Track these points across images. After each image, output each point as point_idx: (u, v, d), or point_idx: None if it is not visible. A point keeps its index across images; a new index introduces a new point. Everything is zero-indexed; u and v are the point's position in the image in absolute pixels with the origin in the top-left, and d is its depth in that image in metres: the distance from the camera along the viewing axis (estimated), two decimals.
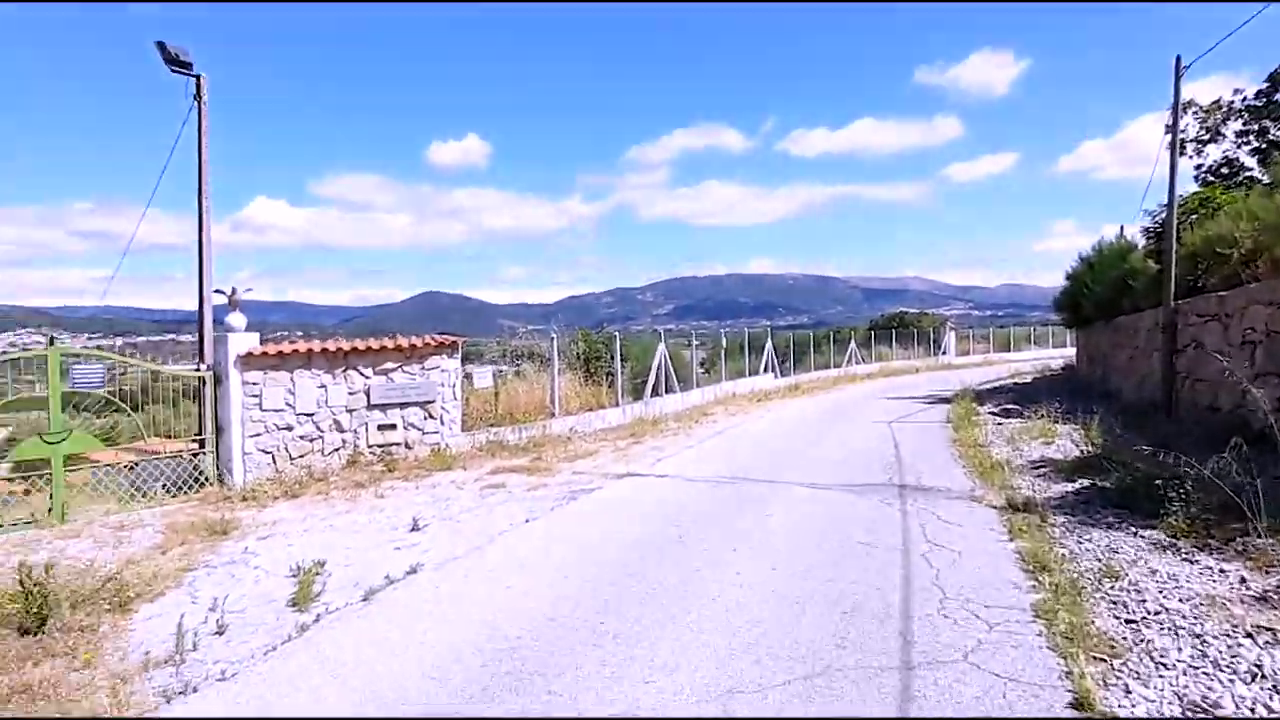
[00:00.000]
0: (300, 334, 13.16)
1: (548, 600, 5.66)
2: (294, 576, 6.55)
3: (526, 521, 8.23)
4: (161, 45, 12.59)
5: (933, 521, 7.60)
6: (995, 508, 8.12)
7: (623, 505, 8.92)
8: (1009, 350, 46.35)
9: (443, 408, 13.31)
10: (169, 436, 12.58)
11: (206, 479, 11.96)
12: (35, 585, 5.26)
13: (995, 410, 17.76)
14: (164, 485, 12.00)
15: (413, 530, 8.16)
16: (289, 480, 11.73)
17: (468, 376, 14.81)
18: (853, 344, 36.73)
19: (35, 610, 5.18)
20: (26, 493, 11.08)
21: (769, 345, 28.41)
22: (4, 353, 10.96)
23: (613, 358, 18.22)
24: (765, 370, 27.82)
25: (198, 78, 12.92)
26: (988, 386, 25.50)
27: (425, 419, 13.20)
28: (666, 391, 20.33)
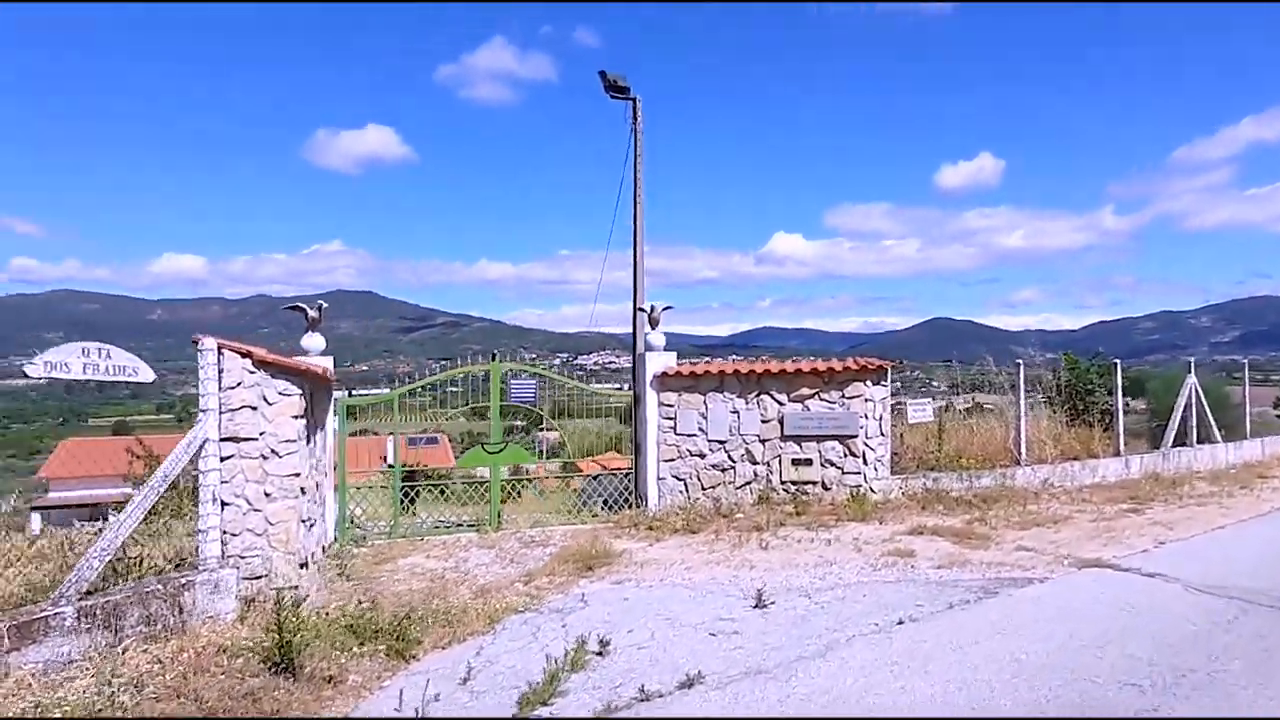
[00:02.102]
0: (812, 357, 12.31)
1: None
2: (580, 650, 5.39)
3: (899, 623, 5.84)
4: (603, 74, 12.94)
5: None
6: None
7: (1062, 619, 5.92)
8: None
9: (865, 444, 11.24)
10: (618, 452, 12.80)
11: (629, 501, 11.79)
12: (286, 619, 4.86)
13: None
14: (603, 501, 12.15)
15: (755, 606, 6.44)
16: (695, 512, 10.91)
17: (899, 409, 12.46)
18: None
19: (282, 650, 4.78)
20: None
21: None
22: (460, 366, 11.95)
23: (1110, 392, 13.92)
24: None
25: (633, 100, 13.01)
26: None
27: (845, 456, 11.28)
28: (1202, 441, 15.07)
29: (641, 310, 12.60)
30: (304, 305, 10.73)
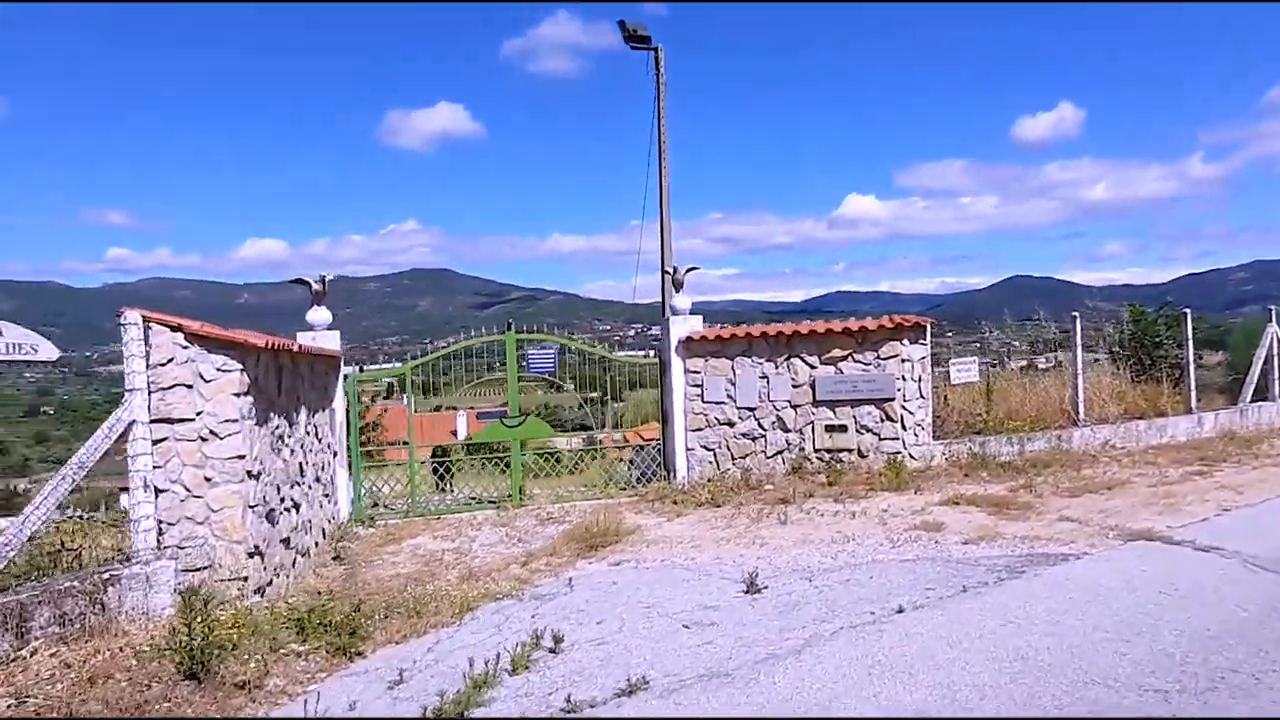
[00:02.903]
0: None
1: None
2: (532, 646, 4.86)
3: (898, 611, 5.12)
4: (622, 23, 12.31)
5: None
6: None
7: (1089, 605, 5.05)
8: None
9: (903, 407, 10.38)
10: (646, 423, 12.26)
11: (656, 473, 11.24)
12: (196, 619, 4.45)
13: None
14: (639, 474, 11.62)
15: (746, 591, 5.82)
16: (723, 483, 10.33)
17: (944, 369, 11.49)
18: None
19: (191, 652, 4.36)
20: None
21: None
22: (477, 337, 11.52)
23: (1180, 345, 12.57)
24: None
25: (655, 50, 12.37)
26: None
27: (881, 421, 10.46)
28: None
29: (666, 273, 11.95)
30: (308, 279, 10.40)
